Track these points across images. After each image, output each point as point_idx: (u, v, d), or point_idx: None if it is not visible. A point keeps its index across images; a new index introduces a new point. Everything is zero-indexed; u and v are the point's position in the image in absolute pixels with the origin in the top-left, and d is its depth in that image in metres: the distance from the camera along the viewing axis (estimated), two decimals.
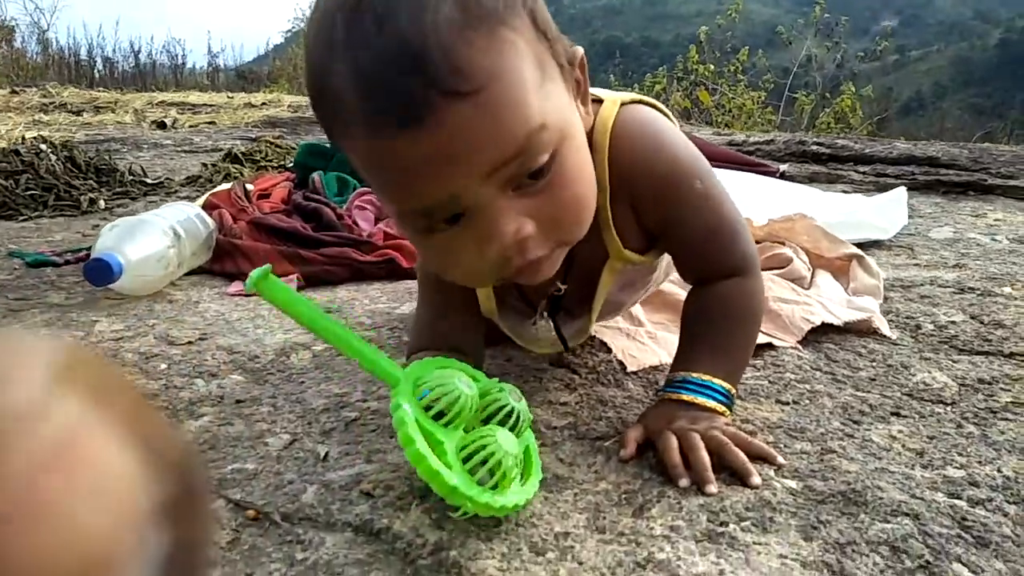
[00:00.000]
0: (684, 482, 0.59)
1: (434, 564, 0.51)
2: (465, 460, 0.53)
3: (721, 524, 0.54)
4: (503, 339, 0.86)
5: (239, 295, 1.22)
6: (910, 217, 1.69)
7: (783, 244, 1.15)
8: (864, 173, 2.47)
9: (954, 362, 0.84)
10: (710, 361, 0.67)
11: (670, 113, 0.71)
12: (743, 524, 0.54)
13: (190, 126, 3.57)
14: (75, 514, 0.16)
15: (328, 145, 1.92)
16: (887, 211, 1.57)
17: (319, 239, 1.38)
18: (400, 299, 1.18)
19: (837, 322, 0.92)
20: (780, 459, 0.62)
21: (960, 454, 0.64)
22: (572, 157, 0.53)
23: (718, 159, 2.31)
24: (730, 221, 0.68)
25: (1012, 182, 2.16)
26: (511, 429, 0.56)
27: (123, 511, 0.17)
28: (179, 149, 2.87)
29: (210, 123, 3.65)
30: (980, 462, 0.62)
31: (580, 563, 0.51)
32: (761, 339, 0.88)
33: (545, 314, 0.75)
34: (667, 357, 0.83)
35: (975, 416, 0.71)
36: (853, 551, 0.51)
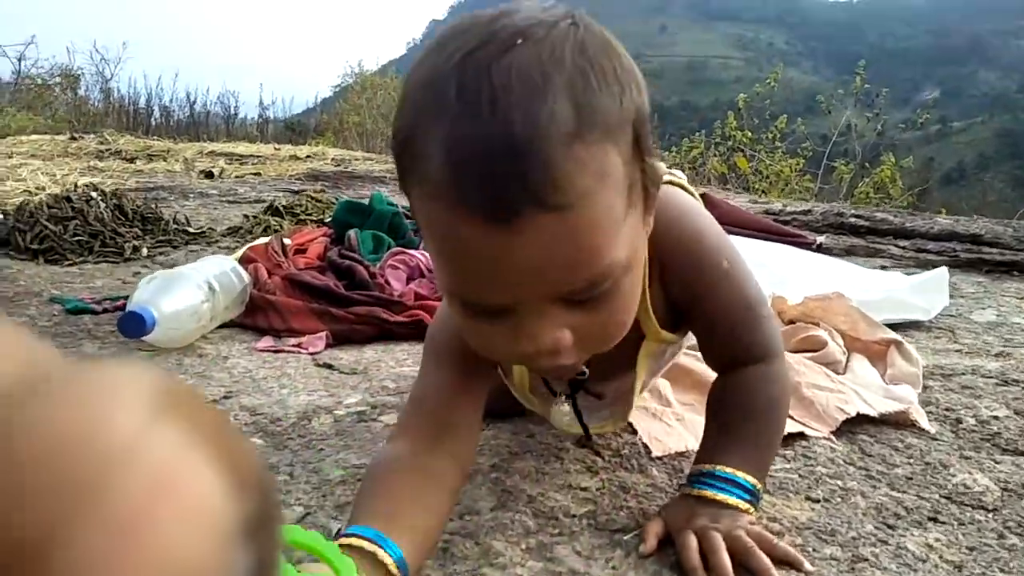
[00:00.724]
0: None
1: None
2: None
3: None
4: (520, 410, 0.84)
5: (268, 351, 1.23)
6: (953, 296, 1.65)
7: (817, 325, 1.12)
8: (904, 248, 2.43)
9: (996, 463, 0.80)
10: (738, 454, 0.65)
11: (692, 189, 0.72)
12: None
13: (236, 176, 3.68)
14: (174, 543, 0.17)
15: (366, 203, 1.96)
16: (928, 291, 1.53)
17: (351, 298, 1.39)
18: None
19: (873, 413, 0.89)
20: (808, 565, 0.59)
21: (1002, 569, 0.60)
22: (627, 285, 0.52)
23: (753, 228, 2.29)
24: (755, 302, 0.68)
25: None
26: None
27: (216, 536, 0.18)
28: (223, 199, 2.96)
29: (255, 174, 3.77)
30: None
31: None
32: (793, 427, 0.85)
33: (564, 397, 0.73)
34: (694, 442, 0.81)
35: (1018, 525, 0.67)
36: None
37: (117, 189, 2.38)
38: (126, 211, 2.13)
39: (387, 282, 1.52)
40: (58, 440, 0.17)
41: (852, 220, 2.80)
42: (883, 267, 2.15)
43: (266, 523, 0.20)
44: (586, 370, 0.67)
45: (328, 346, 1.27)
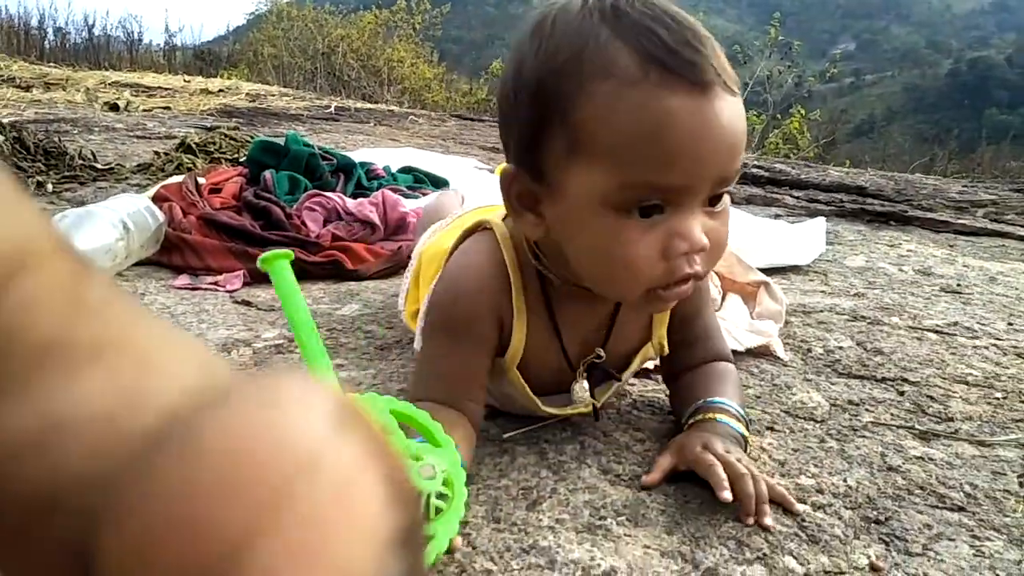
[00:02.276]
0: (728, 495, 0.62)
1: None
2: None
3: (600, 519, 0.62)
4: None
5: (185, 288, 1.26)
6: (833, 243, 1.82)
7: None
8: (798, 198, 2.61)
9: (832, 384, 0.94)
10: (731, 396, 0.74)
11: None
12: (619, 519, 0.62)
13: (144, 110, 3.54)
14: (346, 548, 0.18)
15: (281, 143, 1.96)
16: (807, 239, 1.69)
17: (267, 238, 1.43)
18: (342, 300, 1.24)
19: (741, 348, 1.01)
20: (796, 507, 0.64)
21: (816, 465, 0.73)
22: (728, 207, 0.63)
23: None
24: (716, 319, 0.82)
25: (930, 215, 2.31)
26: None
27: (378, 545, 0.19)
28: (131, 134, 2.86)
29: (165, 108, 3.63)
30: (831, 473, 0.72)
31: (474, 547, 0.58)
32: None
33: (586, 374, 0.76)
34: None
35: (838, 433, 0.81)
36: (705, 543, 0.59)
37: (15, 122, 2.28)
38: (27, 144, 2.06)
39: (304, 223, 1.56)
40: (251, 447, 0.18)
41: (753, 171, 2.97)
42: (776, 215, 2.31)
43: (415, 536, 0.21)
44: (603, 353, 0.74)
45: (245, 284, 1.31)
